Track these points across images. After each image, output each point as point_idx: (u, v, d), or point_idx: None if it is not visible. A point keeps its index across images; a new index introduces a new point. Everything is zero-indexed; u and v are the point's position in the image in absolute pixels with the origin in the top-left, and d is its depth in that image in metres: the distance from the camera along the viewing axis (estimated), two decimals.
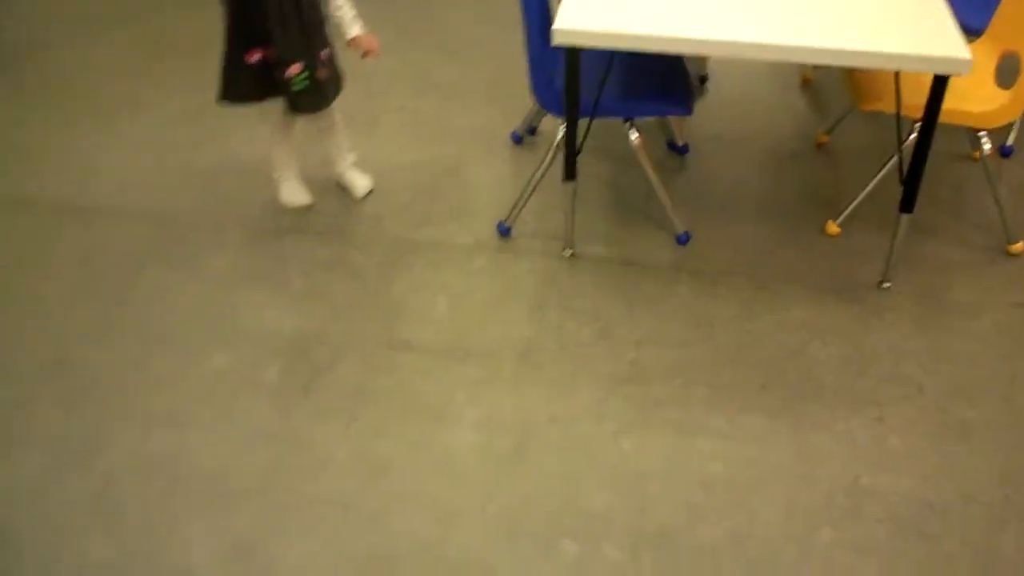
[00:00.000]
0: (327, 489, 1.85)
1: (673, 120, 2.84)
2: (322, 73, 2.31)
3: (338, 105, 2.46)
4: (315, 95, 2.34)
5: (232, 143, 2.86)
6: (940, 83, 2.03)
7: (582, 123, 2.25)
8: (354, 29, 2.33)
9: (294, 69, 2.25)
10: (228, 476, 1.87)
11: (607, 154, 2.81)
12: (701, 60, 3.20)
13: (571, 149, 2.30)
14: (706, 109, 3.07)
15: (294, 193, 2.59)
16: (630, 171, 2.70)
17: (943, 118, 2.09)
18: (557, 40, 2.06)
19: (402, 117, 3.01)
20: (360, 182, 2.66)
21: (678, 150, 2.84)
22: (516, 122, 2.91)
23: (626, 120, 2.42)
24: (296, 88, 2.28)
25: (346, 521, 1.79)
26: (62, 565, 1.71)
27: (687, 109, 2.36)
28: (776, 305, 2.29)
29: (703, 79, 3.19)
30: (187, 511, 1.80)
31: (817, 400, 2.04)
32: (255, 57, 2.26)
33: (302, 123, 2.49)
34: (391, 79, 3.17)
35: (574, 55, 2.13)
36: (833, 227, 2.52)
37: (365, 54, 2.36)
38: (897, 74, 2.23)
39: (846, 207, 2.51)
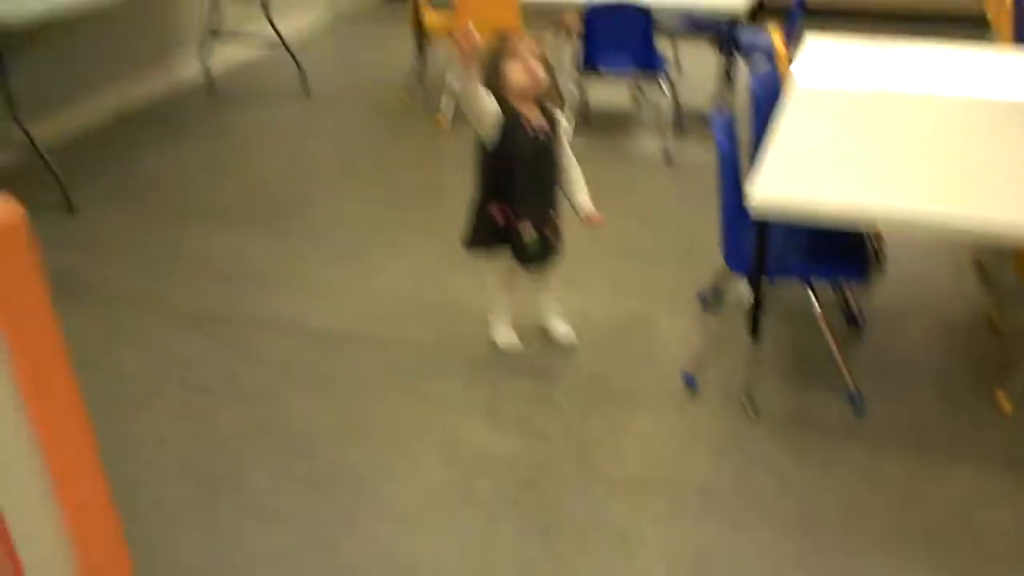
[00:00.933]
0: None
1: (851, 291, 3.09)
2: (550, 233, 2.73)
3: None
4: (542, 252, 2.75)
5: (458, 285, 3.30)
6: None
7: (766, 285, 2.55)
8: (584, 202, 2.76)
9: (528, 227, 2.68)
10: (446, 571, 2.18)
11: (789, 318, 3.07)
12: (878, 239, 3.44)
13: (756, 309, 2.59)
14: (883, 285, 3.30)
15: (508, 336, 2.98)
16: (810, 335, 2.94)
17: None
18: (751, 209, 2.37)
19: (601, 276, 3.39)
20: (564, 330, 3.02)
21: (855, 321, 3.07)
22: (704, 285, 3.23)
23: (807, 285, 2.70)
24: (527, 244, 2.71)
25: None
26: None
27: (865, 277, 2.62)
28: (944, 470, 2.44)
29: (880, 256, 3.43)
30: None
31: (983, 562, 2.17)
32: (498, 212, 2.70)
33: (521, 274, 2.90)
34: (593, 243, 3.58)
35: (763, 224, 2.44)
36: (1005, 403, 2.66)
37: (588, 223, 2.78)
38: None
39: (1018, 382, 2.66)
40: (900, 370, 2.86)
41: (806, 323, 2.89)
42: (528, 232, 2.70)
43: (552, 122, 2.69)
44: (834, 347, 2.71)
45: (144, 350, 3.01)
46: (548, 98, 2.70)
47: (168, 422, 2.68)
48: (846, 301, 3.09)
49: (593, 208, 2.77)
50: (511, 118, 2.61)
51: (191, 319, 3.18)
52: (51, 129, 4.66)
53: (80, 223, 3.87)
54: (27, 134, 3.95)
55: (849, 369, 2.72)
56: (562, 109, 2.79)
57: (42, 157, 3.97)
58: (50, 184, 3.98)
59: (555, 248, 2.81)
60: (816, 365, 2.87)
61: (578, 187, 2.78)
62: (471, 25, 2.43)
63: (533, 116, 2.65)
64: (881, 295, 3.26)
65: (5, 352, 1.21)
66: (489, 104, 2.56)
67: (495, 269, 2.88)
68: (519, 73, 2.58)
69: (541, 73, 2.60)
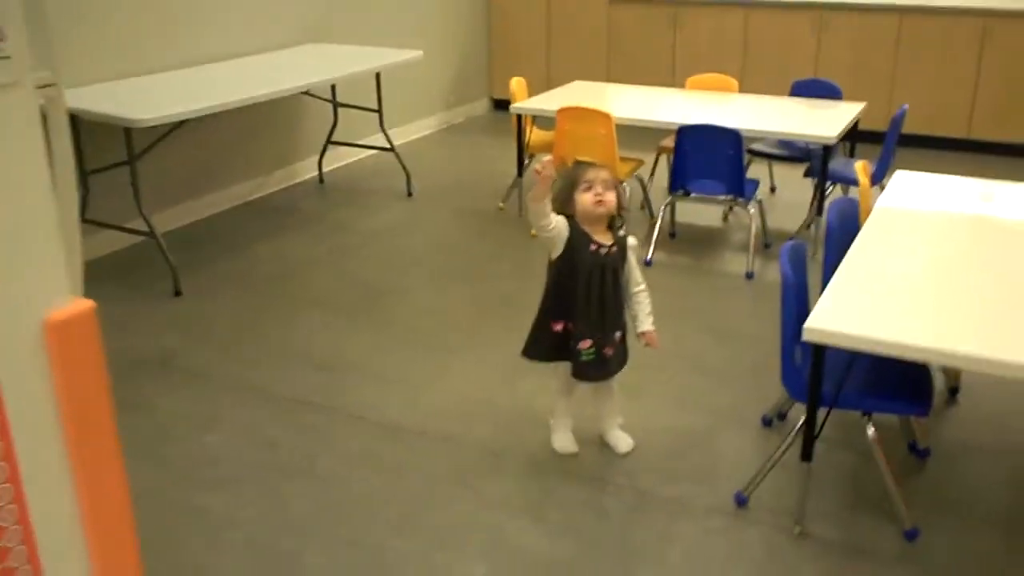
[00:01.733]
0: None
1: (916, 422, 3.06)
2: (608, 351, 2.83)
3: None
4: (598, 368, 2.86)
5: (528, 390, 3.41)
6: None
7: (823, 410, 2.57)
8: (645, 324, 2.87)
9: (584, 343, 2.80)
10: None
11: (848, 445, 3.06)
12: (954, 371, 3.40)
13: (810, 433, 2.61)
14: (956, 418, 3.26)
15: (565, 441, 3.06)
16: (867, 464, 2.92)
17: None
18: (806, 336, 2.42)
19: (668, 389, 3.45)
20: (623, 441, 3.07)
21: (919, 453, 3.03)
22: (769, 406, 3.25)
23: (865, 414, 2.70)
24: (583, 359, 2.82)
25: None
26: None
27: (924, 411, 2.61)
28: None
29: (954, 390, 3.39)
30: None
31: None
32: (558, 327, 2.84)
33: (583, 385, 2.99)
34: (664, 356, 3.63)
35: (820, 350, 2.48)
36: None
37: (647, 344, 2.88)
38: None
39: None
40: (960, 505, 2.80)
41: (866, 452, 2.87)
42: (586, 349, 2.81)
43: (619, 244, 2.83)
44: (889, 478, 2.68)
45: (232, 432, 3.21)
46: (617, 221, 2.85)
47: (242, 502, 2.84)
48: (911, 429, 3.06)
49: (653, 330, 2.88)
50: (578, 238, 2.77)
51: (281, 404, 3.37)
52: (172, 218, 5.07)
53: (186, 308, 4.17)
54: (149, 224, 4.30)
55: (906, 500, 2.69)
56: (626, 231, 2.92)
57: (159, 245, 4.32)
58: (164, 270, 4.31)
59: (611, 367, 2.90)
60: (873, 495, 2.84)
61: (642, 308, 2.88)
62: (549, 156, 2.66)
63: (601, 237, 2.79)
64: (951, 427, 3.21)
65: (60, 429, 1.39)
66: (555, 222, 2.73)
67: (558, 375, 2.99)
68: (588, 201, 2.76)
69: (609, 200, 2.76)
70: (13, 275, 1.30)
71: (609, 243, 2.81)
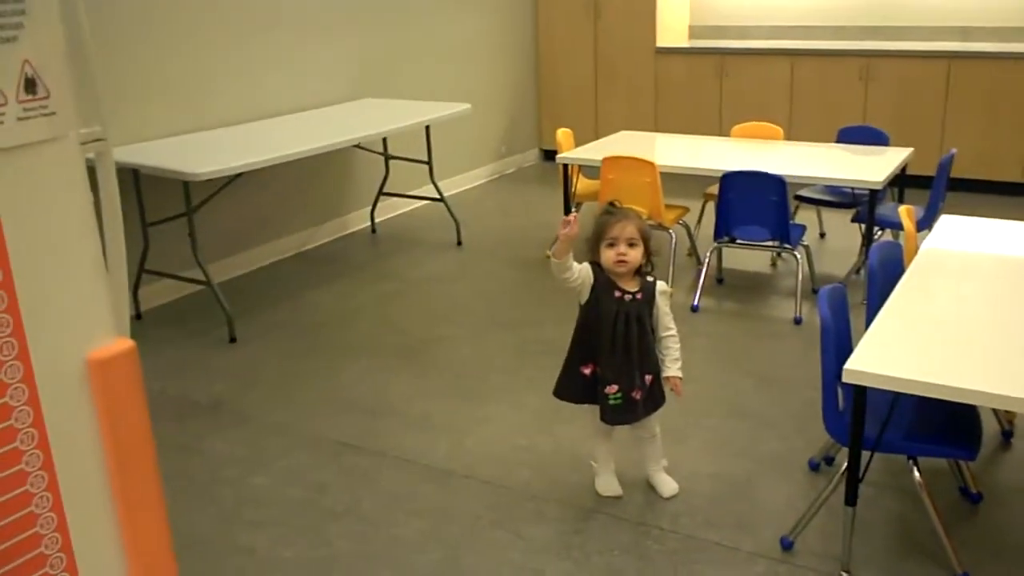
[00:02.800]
0: None
1: (966, 466, 3.00)
2: (636, 395, 2.84)
3: (658, 417, 2.97)
4: (625, 412, 2.87)
5: (571, 436, 3.42)
6: None
7: (867, 453, 2.53)
8: (671, 369, 2.88)
9: (611, 388, 2.82)
10: None
11: (897, 489, 3.01)
12: (1008, 415, 3.33)
13: (853, 477, 2.58)
14: (1011, 462, 3.19)
15: (608, 484, 3.06)
16: (915, 508, 2.87)
17: None
18: (846, 378, 2.41)
19: (713, 433, 3.44)
20: (667, 485, 3.06)
21: (971, 497, 2.97)
22: (817, 451, 3.21)
23: (910, 458, 2.66)
24: (610, 403, 2.84)
25: None
26: None
27: (971, 455, 2.56)
28: None
29: (1009, 434, 3.32)
30: None
31: None
32: (587, 370, 2.87)
33: (623, 428, 3.00)
34: (710, 400, 3.64)
35: (861, 392, 2.46)
36: None
37: (671, 389, 2.90)
38: None
39: None
40: (1015, 551, 2.73)
41: (915, 495, 2.82)
42: (613, 394, 2.83)
43: (646, 290, 2.85)
44: (937, 522, 2.64)
45: (278, 475, 3.26)
46: (646, 267, 2.88)
47: (287, 542, 2.89)
48: (962, 473, 3.01)
49: (679, 376, 2.89)
50: (602, 284, 2.82)
51: (326, 448, 3.43)
52: (228, 268, 5.22)
53: (239, 354, 4.27)
54: (206, 274, 4.43)
55: (957, 545, 2.64)
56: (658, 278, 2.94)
57: (215, 293, 4.44)
58: (220, 317, 4.43)
59: (639, 411, 2.89)
60: (922, 539, 2.78)
61: (669, 354, 2.89)
62: (574, 213, 2.78)
63: (627, 284, 2.83)
64: (1006, 470, 3.14)
65: (102, 462, 1.45)
66: (577, 273, 2.79)
67: (594, 418, 2.99)
68: (609, 259, 2.81)
69: (632, 258, 2.80)
70: (58, 316, 1.37)
71: (634, 290, 2.84)
